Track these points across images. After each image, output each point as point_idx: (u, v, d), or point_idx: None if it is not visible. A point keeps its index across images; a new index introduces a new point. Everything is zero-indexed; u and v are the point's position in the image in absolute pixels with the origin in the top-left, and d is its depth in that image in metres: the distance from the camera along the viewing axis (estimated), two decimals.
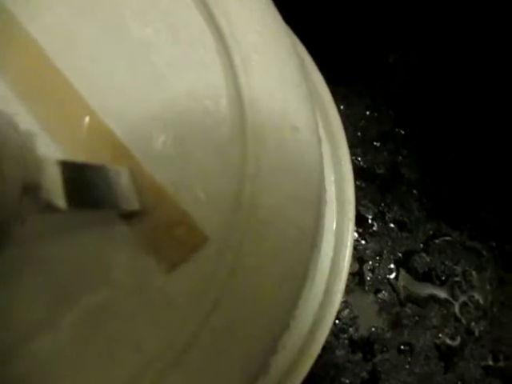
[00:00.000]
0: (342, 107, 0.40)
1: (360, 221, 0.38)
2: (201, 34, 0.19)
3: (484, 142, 0.41)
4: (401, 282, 0.38)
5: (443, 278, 0.38)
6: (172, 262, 0.18)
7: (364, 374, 0.36)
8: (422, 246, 0.38)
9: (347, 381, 0.36)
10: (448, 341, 0.37)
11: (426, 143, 0.40)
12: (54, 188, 0.15)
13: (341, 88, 0.40)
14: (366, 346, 0.36)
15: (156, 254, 0.18)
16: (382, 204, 0.39)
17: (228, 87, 0.19)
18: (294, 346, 0.24)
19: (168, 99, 0.19)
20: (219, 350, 0.17)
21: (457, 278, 0.38)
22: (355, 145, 0.40)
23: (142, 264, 0.18)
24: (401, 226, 0.39)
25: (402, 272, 0.38)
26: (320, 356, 0.24)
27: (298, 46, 0.28)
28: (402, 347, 0.36)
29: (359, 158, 0.40)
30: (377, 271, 0.38)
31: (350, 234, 0.27)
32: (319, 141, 0.20)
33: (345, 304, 0.37)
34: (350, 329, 0.37)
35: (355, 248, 0.37)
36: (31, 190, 0.14)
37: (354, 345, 0.36)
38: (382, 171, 0.40)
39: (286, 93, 0.19)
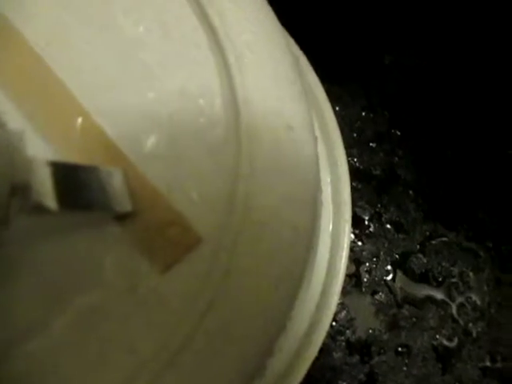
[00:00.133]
0: (337, 108, 0.40)
1: (356, 222, 0.38)
2: (194, 32, 0.19)
3: (480, 142, 0.41)
4: (398, 284, 0.38)
5: (440, 279, 0.38)
6: (165, 262, 0.17)
7: (361, 377, 0.36)
8: (418, 247, 0.38)
9: (344, 383, 0.36)
10: (445, 342, 0.37)
11: (422, 144, 0.40)
12: (45, 189, 0.15)
13: (336, 89, 0.40)
14: (363, 348, 0.36)
15: (149, 255, 0.18)
16: (379, 205, 0.39)
17: (222, 86, 0.19)
18: (291, 349, 0.24)
19: (161, 98, 0.19)
20: (214, 352, 0.17)
21: (454, 279, 0.38)
22: (351, 146, 0.40)
23: (135, 265, 0.17)
24: (397, 227, 0.39)
25: (399, 273, 0.38)
26: (317, 358, 0.24)
27: (292, 46, 0.28)
28: (400, 349, 0.36)
29: (355, 159, 0.40)
30: (373, 273, 0.38)
31: (347, 236, 0.27)
32: (315, 140, 0.20)
33: (341, 306, 0.36)
34: (347, 331, 0.36)
35: (352, 249, 0.37)
36: (20, 190, 0.14)
37: (351, 347, 0.36)
38: (378, 172, 0.40)
39: (280, 92, 0.19)
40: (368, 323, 0.37)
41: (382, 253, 0.38)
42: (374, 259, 0.38)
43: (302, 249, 0.19)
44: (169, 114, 0.19)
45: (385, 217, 0.39)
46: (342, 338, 0.36)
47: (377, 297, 0.37)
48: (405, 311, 0.37)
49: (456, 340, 0.37)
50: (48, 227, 0.17)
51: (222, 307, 0.17)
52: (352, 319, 0.37)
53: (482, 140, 0.41)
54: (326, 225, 0.27)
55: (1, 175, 0.13)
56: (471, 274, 0.38)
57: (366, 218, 0.39)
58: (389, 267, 0.38)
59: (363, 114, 0.41)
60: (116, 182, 0.17)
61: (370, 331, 0.36)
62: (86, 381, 0.16)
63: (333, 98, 0.29)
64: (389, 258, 0.38)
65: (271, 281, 0.18)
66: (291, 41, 0.27)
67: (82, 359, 0.16)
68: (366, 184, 0.39)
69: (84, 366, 0.16)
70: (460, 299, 0.38)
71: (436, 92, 0.41)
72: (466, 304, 0.38)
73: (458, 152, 0.40)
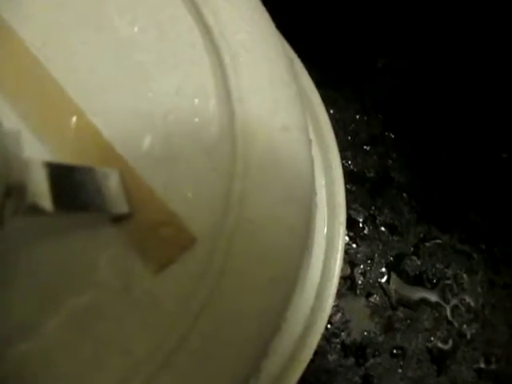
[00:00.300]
0: (331, 111, 0.40)
1: (351, 224, 0.38)
2: (189, 32, 0.19)
3: (473, 144, 0.41)
4: (392, 286, 0.38)
5: (434, 281, 0.38)
6: (160, 263, 0.17)
7: (356, 379, 0.36)
8: (412, 249, 0.38)
9: None
10: (440, 344, 0.37)
11: (416, 147, 0.41)
12: (40, 190, 0.15)
13: (330, 92, 0.40)
14: (358, 351, 0.36)
15: (143, 255, 0.18)
16: (373, 207, 0.39)
17: (217, 86, 0.19)
18: (286, 351, 0.24)
19: (156, 98, 0.19)
20: (209, 353, 0.17)
21: (448, 281, 0.38)
22: (345, 148, 0.40)
23: (129, 265, 0.17)
24: (391, 229, 0.39)
25: (393, 276, 0.38)
26: (312, 361, 0.24)
27: (287, 49, 0.28)
28: (395, 351, 0.36)
29: (349, 162, 0.40)
30: (368, 275, 0.38)
31: (341, 238, 0.27)
32: (309, 141, 0.20)
33: (336, 308, 0.36)
34: (342, 333, 0.36)
35: (346, 252, 0.37)
36: (16, 191, 0.14)
37: (346, 349, 0.36)
38: (372, 175, 0.40)
39: (275, 92, 0.19)
40: (363, 325, 0.37)
41: (376, 255, 0.38)
42: (369, 261, 0.38)
43: (296, 250, 0.19)
44: (164, 114, 0.19)
45: (379, 219, 0.39)
46: (337, 340, 0.36)
47: (371, 299, 0.37)
48: (399, 313, 0.37)
49: (450, 342, 0.37)
50: (42, 227, 0.17)
51: (217, 308, 0.17)
52: (347, 321, 0.37)
53: (475, 143, 0.41)
54: (321, 227, 0.27)
55: None
56: (465, 275, 0.38)
57: (361, 220, 0.39)
58: (383, 269, 0.38)
59: (357, 116, 0.41)
60: (112, 183, 0.17)
61: (365, 333, 0.36)
62: (79, 381, 0.16)
63: (327, 101, 0.29)
64: (383, 261, 0.38)
65: (266, 282, 0.18)
66: (285, 44, 0.27)
67: (76, 360, 0.16)
68: (360, 186, 0.39)
69: (78, 366, 0.16)
70: (454, 301, 0.38)
71: (429, 95, 0.42)
72: (460, 306, 0.38)
73: (452, 155, 0.41)
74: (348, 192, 0.30)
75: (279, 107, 0.19)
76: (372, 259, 0.38)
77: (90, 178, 0.17)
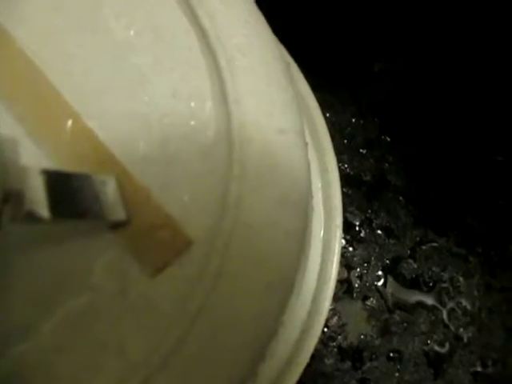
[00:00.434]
0: (327, 115, 0.40)
1: (347, 228, 0.38)
2: (185, 35, 0.19)
3: (469, 148, 0.41)
4: (389, 289, 0.38)
5: (431, 285, 0.38)
6: (156, 266, 0.17)
7: (353, 383, 0.36)
8: (409, 252, 0.39)
9: None
10: (437, 347, 0.37)
11: (412, 150, 0.41)
12: (38, 198, 0.14)
13: (326, 96, 0.40)
14: (355, 354, 0.36)
15: (140, 258, 0.17)
16: (369, 211, 0.39)
17: (213, 89, 0.19)
18: (282, 355, 0.24)
19: (152, 101, 0.19)
20: (205, 356, 0.17)
21: (444, 285, 0.38)
22: (341, 152, 0.40)
23: (125, 268, 0.17)
24: (388, 232, 0.39)
25: (390, 279, 0.38)
26: (308, 365, 0.24)
27: (283, 53, 0.28)
28: (391, 354, 0.36)
29: (346, 165, 0.40)
30: (365, 278, 0.38)
31: (338, 241, 0.27)
32: (305, 143, 0.20)
33: (333, 311, 0.36)
34: (339, 337, 0.36)
35: (343, 255, 0.37)
36: (13, 198, 0.14)
37: (343, 353, 0.36)
38: (368, 178, 0.40)
39: (271, 95, 0.19)
40: (360, 329, 0.37)
41: (372, 258, 0.38)
42: (365, 265, 0.38)
43: (293, 253, 0.19)
44: (160, 117, 0.19)
45: (375, 222, 0.39)
46: (334, 343, 0.36)
47: (368, 302, 0.37)
48: (396, 316, 0.37)
49: (447, 345, 0.37)
50: (40, 232, 0.17)
51: (213, 311, 0.17)
52: (344, 325, 0.37)
53: (470, 146, 0.41)
54: (318, 230, 0.27)
55: None
56: (461, 279, 0.38)
57: (357, 223, 0.39)
58: (380, 272, 0.38)
59: (353, 120, 0.41)
60: (110, 190, 0.17)
61: (362, 337, 0.36)
62: None
63: (323, 105, 0.29)
64: (380, 264, 0.38)
65: (262, 285, 0.18)
66: (282, 48, 0.27)
67: (73, 362, 0.16)
68: (357, 190, 0.40)
69: (74, 369, 0.16)
70: (451, 304, 0.38)
71: (425, 98, 0.42)
72: (457, 309, 0.38)
73: (448, 158, 0.41)
74: (344, 195, 0.30)
75: (275, 110, 0.19)
76: (368, 262, 0.38)
77: (87, 185, 0.17)
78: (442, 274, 0.38)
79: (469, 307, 0.38)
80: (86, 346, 0.16)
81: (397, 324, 0.37)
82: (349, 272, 0.38)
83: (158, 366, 0.16)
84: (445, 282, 0.38)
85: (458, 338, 0.37)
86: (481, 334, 0.37)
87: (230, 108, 0.18)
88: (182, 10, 0.19)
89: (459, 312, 0.38)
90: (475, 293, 0.38)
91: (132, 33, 0.19)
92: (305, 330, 0.25)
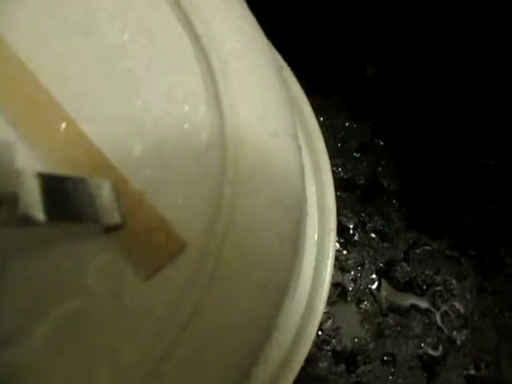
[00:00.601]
0: (321, 119, 0.41)
1: (341, 231, 0.38)
2: (179, 39, 0.19)
3: (462, 151, 0.41)
4: (382, 292, 0.38)
5: (424, 288, 0.38)
6: (150, 268, 0.17)
7: None
8: (402, 255, 0.39)
9: None
10: (430, 350, 0.37)
11: (405, 154, 0.41)
12: (33, 201, 0.14)
13: (320, 100, 0.40)
14: (349, 358, 0.36)
15: (133, 261, 0.17)
16: (363, 214, 0.39)
17: (207, 92, 0.19)
18: (276, 358, 0.23)
19: (146, 105, 0.19)
20: (199, 360, 0.17)
21: (437, 288, 0.38)
22: (335, 156, 0.40)
23: (119, 271, 0.17)
24: (381, 235, 0.39)
25: (384, 282, 0.38)
26: (303, 368, 0.24)
27: (277, 58, 0.28)
28: (385, 358, 0.36)
29: (339, 169, 0.40)
30: (358, 281, 0.38)
31: (332, 244, 0.27)
32: (299, 147, 0.20)
33: (327, 315, 0.36)
34: (333, 340, 0.36)
35: (337, 258, 0.37)
36: (8, 201, 0.14)
37: (337, 356, 0.36)
38: (362, 181, 0.40)
39: (265, 98, 0.19)
40: (354, 332, 0.37)
41: (366, 261, 0.38)
42: (359, 268, 0.38)
43: (287, 256, 0.19)
44: (154, 121, 0.19)
45: (369, 226, 0.39)
46: (328, 347, 0.36)
47: (362, 306, 0.37)
48: (390, 320, 0.37)
49: (441, 348, 0.37)
50: (34, 235, 0.17)
51: (207, 315, 0.17)
52: (338, 328, 0.37)
53: (463, 150, 0.41)
54: (311, 233, 0.27)
55: None
56: (454, 281, 0.39)
57: (351, 226, 0.39)
58: (373, 276, 0.38)
59: (347, 124, 0.41)
60: (105, 194, 0.17)
61: (356, 340, 0.36)
62: None
63: (317, 109, 0.29)
64: (373, 267, 0.38)
65: (256, 288, 0.18)
66: (275, 52, 0.28)
67: (65, 366, 0.16)
68: (350, 193, 0.40)
69: (67, 373, 0.16)
70: (444, 307, 0.38)
71: (417, 102, 0.42)
72: (450, 312, 0.38)
73: (441, 161, 0.41)
74: (338, 199, 0.30)
75: (269, 113, 0.19)
76: (362, 266, 0.38)
77: (82, 188, 0.17)
78: (436, 276, 0.38)
79: (462, 310, 0.38)
80: (78, 349, 0.16)
81: (390, 327, 0.37)
82: (343, 275, 0.38)
83: (150, 369, 0.16)
84: (438, 284, 0.38)
85: (452, 341, 0.37)
86: (474, 336, 0.37)
87: (224, 111, 0.18)
88: (175, 15, 0.19)
89: (452, 315, 0.38)
90: (468, 295, 0.38)
91: (126, 37, 0.19)
92: (299, 334, 0.25)
